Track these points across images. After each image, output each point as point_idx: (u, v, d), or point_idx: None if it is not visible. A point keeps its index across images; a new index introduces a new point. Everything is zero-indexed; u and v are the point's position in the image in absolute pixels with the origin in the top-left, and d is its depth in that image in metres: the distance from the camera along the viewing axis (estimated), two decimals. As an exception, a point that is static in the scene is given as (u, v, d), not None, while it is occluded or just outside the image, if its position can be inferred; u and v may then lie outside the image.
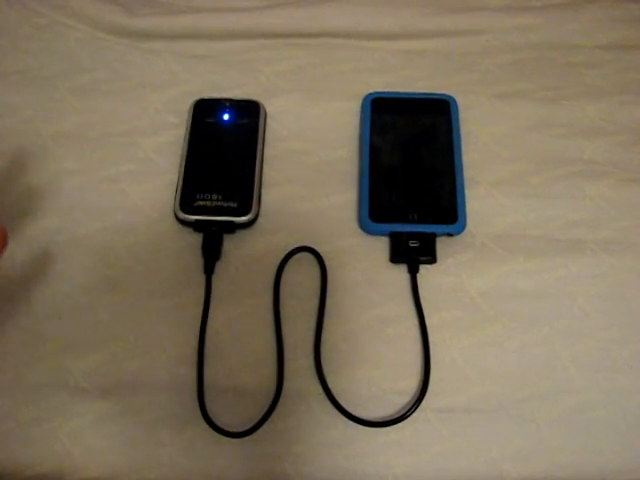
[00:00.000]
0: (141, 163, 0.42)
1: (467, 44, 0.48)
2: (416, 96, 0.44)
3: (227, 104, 0.43)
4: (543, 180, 0.41)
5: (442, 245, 0.39)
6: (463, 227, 0.39)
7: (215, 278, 0.38)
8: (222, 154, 0.41)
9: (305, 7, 0.48)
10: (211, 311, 0.37)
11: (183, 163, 0.40)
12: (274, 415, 0.34)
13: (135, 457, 0.34)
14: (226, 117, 0.42)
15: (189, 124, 0.42)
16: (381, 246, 0.39)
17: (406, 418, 0.34)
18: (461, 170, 0.41)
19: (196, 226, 0.39)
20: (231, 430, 0.34)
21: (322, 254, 0.38)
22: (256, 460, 0.34)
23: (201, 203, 0.39)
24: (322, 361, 0.36)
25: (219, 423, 0.34)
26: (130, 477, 0.33)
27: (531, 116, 0.44)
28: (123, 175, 0.41)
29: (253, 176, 0.40)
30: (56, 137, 0.43)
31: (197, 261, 0.38)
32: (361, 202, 0.40)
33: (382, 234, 0.39)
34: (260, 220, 0.40)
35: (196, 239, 0.39)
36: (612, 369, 0.36)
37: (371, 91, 0.44)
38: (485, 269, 0.38)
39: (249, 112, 0.43)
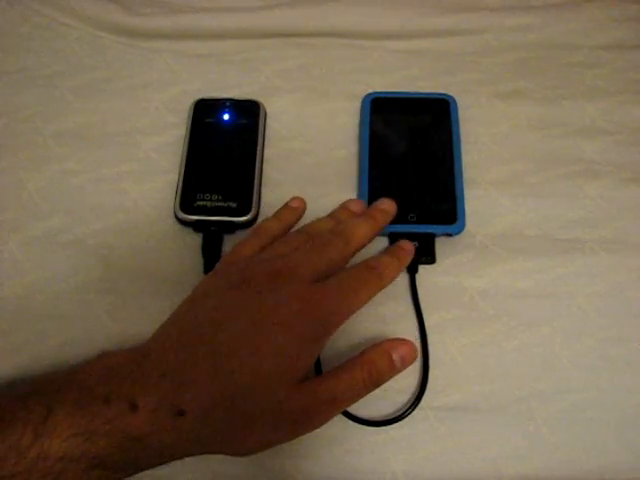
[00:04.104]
0: (141, 163, 0.42)
1: (467, 44, 0.48)
2: (416, 96, 0.44)
3: (227, 104, 0.43)
4: (542, 180, 0.42)
5: (441, 245, 0.39)
6: (462, 227, 0.39)
7: (215, 278, 0.38)
8: (222, 154, 0.41)
9: (305, 7, 0.48)
10: (211, 311, 0.37)
11: (183, 163, 0.40)
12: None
13: None
14: (226, 117, 0.42)
15: (189, 124, 0.42)
16: (380, 246, 0.39)
17: (405, 417, 0.34)
18: (460, 170, 0.41)
19: (196, 226, 0.39)
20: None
21: (322, 254, 0.38)
22: (255, 456, 0.34)
23: (201, 203, 0.39)
24: (321, 360, 0.36)
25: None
26: None
27: (531, 116, 0.44)
28: (123, 175, 0.41)
29: (253, 176, 0.40)
30: (56, 136, 0.43)
31: (197, 261, 0.38)
32: (361, 202, 0.40)
33: (381, 234, 0.39)
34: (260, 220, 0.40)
35: (196, 239, 0.39)
36: (611, 368, 0.36)
37: (371, 91, 0.44)
38: (484, 269, 0.38)
39: (249, 112, 0.43)
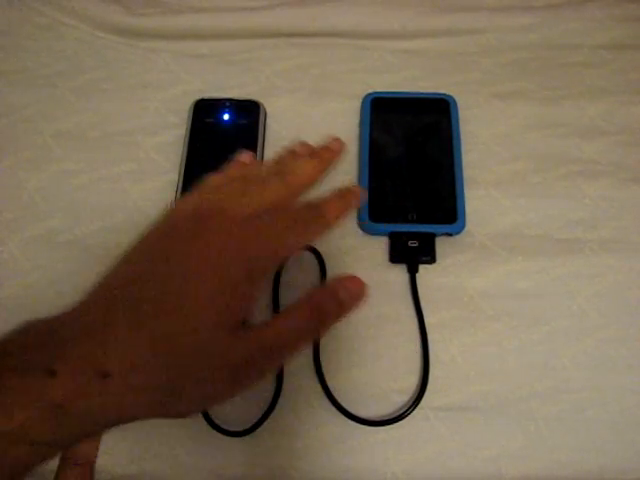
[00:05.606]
0: (141, 163, 0.42)
1: (467, 44, 0.48)
2: (416, 96, 0.44)
3: (227, 104, 0.43)
4: (542, 180, 0.42)
5: (441, 245, 0.39)
6: (462, 227, 0.39)
7: (215, 278, 0.38)
8: (222, 154, 0.41)
9: (305, 7, 0.48)
10: (211, 310, 0.37)
11: (183, 163, 0.40)
12: (274, 412, 0.35)
13: (134, 449, 0.34)
14: (226, 117, 0.42)
15: (189, 124, 0.42)
16: (381, 246, 0.39)
17: (405, 417, 0.34)
18: (461, 170, 0.41)
19: (196, 226, 0.39)
20: (231, 428, 0.34)
21: (322, 254, 0.38)
22: (255, 456, 0.34)
23: (201, 203, 0.39)
24: (321, 360, 0.36)
25: (219, 421, 0.34)
26: (129, 468, 0.34)
27: (531, 116, 0.44)
28: (124, 175, 0.41)
29: (253, 176, 0.40)
30: (56, 136, 0.43)
31: (197, 261, 0.38)
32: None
33: (382, 234, 0.39)
34: (260, 220, 0.40)
35: (196, 239, 0.39)
36: (611, 368, 0.36)
37: (371, 91, 0.44)
38: (484, 269, 0.38)
39: (249, 112, 0.43)
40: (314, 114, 0.44)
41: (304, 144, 0.34)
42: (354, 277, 0.28)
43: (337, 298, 0.28)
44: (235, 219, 0.27)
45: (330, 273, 0.38)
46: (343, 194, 0.32)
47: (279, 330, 0.26)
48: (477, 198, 0.41)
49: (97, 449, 0.30)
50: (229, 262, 0.26)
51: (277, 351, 0.26)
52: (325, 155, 0.32)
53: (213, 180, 0.32)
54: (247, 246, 0.27)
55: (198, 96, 0.43)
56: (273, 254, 0.28)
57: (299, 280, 0.38)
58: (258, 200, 0.29)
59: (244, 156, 0.34)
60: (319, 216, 0.30)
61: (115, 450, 0.34)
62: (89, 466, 0.29)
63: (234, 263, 0.26)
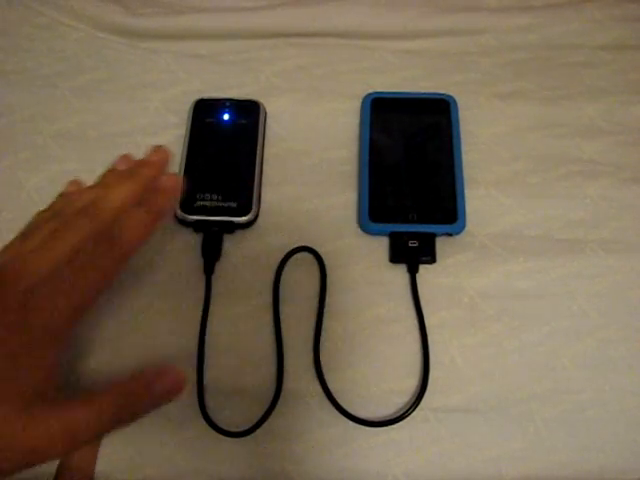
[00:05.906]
0: (141, 163, 0.42)
1: (467, 44, 0.48)
2: (416, 96, 0.44)
3: (227, 104, 0.43)
4: (543, 180, 0.42)
5: (442, 245, 0.39)
6: (463, 227, 0.39)
7: (215, 278, 0.38)
8: (222, 154, 0.41)
9: (305, 7, 0.48)
10: (211, 311, 0.37)
11: (183, 163, 0.40)
12: (273, 414, 0.34)
13: (134, 454, 0.34)
14: (226, 117, 0.42)
15: (189, 124, 0.42)
16: (381, 246, 0.39)
17: (405, 418, 0.34)
18: (461, 170, 0.41)
19: (196, 226, 0.39)
20: (231, 430, 0.34)
21: (322, 254, 0.38)
22: (255, 458, 0.34)
23: (201, 203, 0.39)
24: (321, 360, 0.36)
25: (219, 422, 0.34)
26: (129, 474, 0.34)
27: (531, 116, 0.44)
28: (123, 175, 0.41)
29: (253, 176, 0.40)
30: (56, 137, 0.43)
31: (197, 261, 0.38)
32: (361, 202, 0.40)
33: (382, 234, 0.39)
34: (260, 220, 0.40)
35: (196, 239, 0.39)
36: (611, 368, 0.36)
37: (371, 91, 0.44)
38: (485, 269, 0.38)
39: (249, 112, 0.43)
40: (314, 114, 0.44)
41: (125, 159, 0.33)
42: (171, 369, 0.27)
43: (150, 390, 0.27)
44: (25, 283, 0.26)
45: (330, 273, 0.38)
46: (144, 206, 0.30)
47: (74, 416, 0.25)
48: (477, 198, 0.41)
49: (94, 462, 0.30)
50: (8, 338, 0.25)
51: (68, 438, 0.25)
52: (144, 172, 0.31)
53: (35, 221, 0.30)
54: (30, 315, 0.25)
55: (198, 96, 0.43)
56: (58, 318, 0.26)
57: (299, 280, 0.38)
58: (62, 248, 0.27)
59: (70, 183, 0.34)
60: (112, 247, 0.28)
61: (114, 456, 0.34)
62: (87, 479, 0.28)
63: (13, 338, 0.25)
